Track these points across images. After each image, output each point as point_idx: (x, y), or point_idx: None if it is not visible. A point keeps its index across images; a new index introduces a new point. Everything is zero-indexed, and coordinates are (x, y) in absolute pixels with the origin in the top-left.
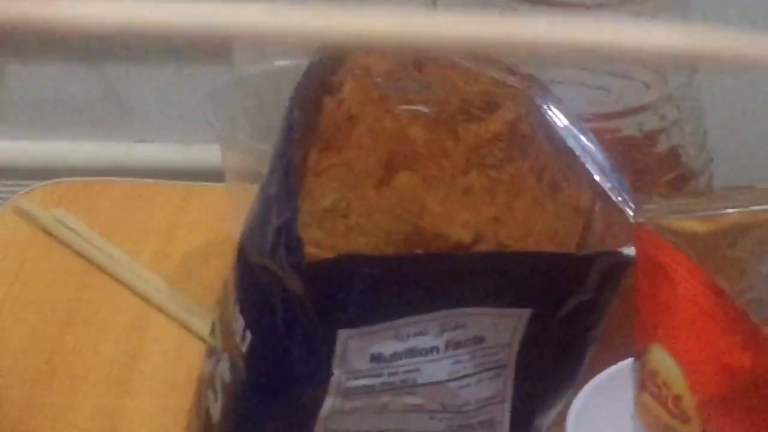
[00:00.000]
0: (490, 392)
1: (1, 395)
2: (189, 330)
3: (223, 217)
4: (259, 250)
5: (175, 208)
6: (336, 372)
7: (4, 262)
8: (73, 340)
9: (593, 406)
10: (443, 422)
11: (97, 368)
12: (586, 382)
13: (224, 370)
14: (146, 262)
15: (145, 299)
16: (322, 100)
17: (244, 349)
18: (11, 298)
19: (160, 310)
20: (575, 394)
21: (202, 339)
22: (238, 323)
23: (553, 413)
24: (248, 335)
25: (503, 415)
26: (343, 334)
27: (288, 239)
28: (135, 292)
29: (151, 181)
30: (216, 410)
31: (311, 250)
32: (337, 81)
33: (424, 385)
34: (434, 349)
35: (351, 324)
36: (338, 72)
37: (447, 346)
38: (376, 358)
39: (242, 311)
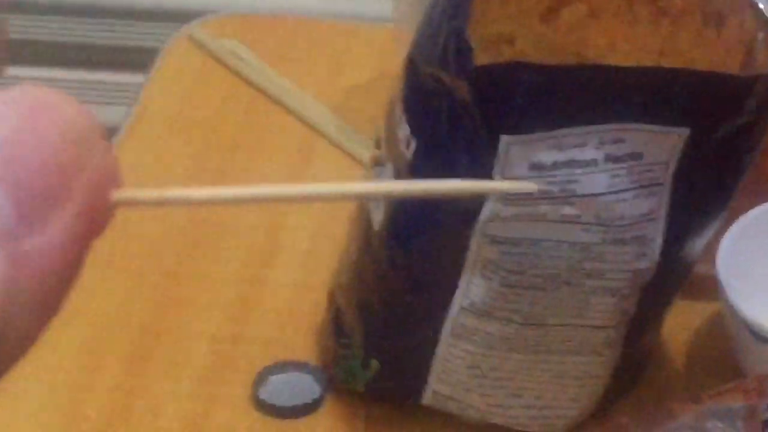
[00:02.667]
0: (644, 209)
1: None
2: (351, 156)
3: (388, 55)
4: (428, 58)
5: (343, 45)
6: (497, 177)
7: (176, 86)
8: (239, 161)
9: (742, 244)
10: (597, 235)
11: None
12: (735, 220)
13: (388, 178)
14: (313, 94)
15: (311, 127)
16: None
17: (408, 156)
18: (181, 119)
19: (325, 137)
20: (724, 232)
21: (362, 164)
22: (404, 131)
23: (702, 240)
24: (413, 142)
25: (656, 233)
26: (505, 139)
27: (457, 45)
28: (301, 120)
29: (320, 18)
30: (378, 216)
31: None
32: None
33: (581, 196)
34: (593, 162)
35: (513, 130)
36: None
37: (605, 159)
38: (536, 167)
39: (408, 120)
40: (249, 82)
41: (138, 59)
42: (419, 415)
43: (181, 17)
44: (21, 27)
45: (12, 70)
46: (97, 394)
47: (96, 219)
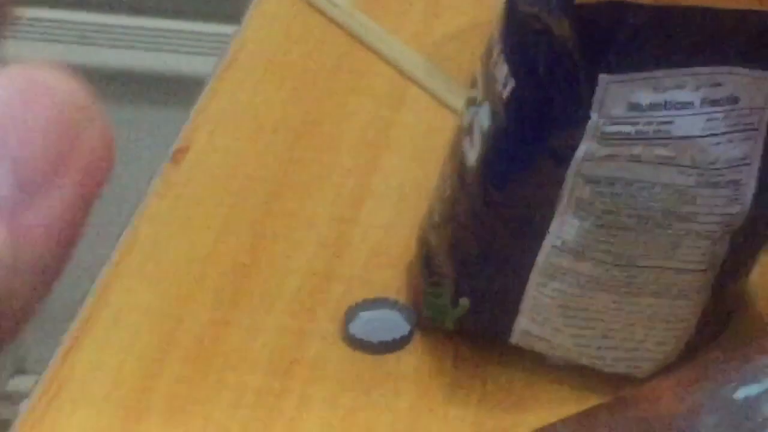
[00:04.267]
0: (739, 153)
1: (267, 143)
2: (443, 104)
3: (484, 3)
4: None
5: None
6: (594, 116)
7: (268, 31)
8: (331, 106)
9: None
10: (691, 177)
11: (352, 132)
12: None
13: (484, 118)
14: (406, 41)
15: (403, 73)
16: None
17: (505, 95)
18: (275, 64)
19: (416, 83)
20: None
21: (455, 112)
22: (502, 71)
23: None
24: (510, 81)
25: (750, 177)
26: (604, 78)
27: None
28: (394, 66)
29: None
30: (473, 154)
31: None
32: None
33: (677, 138)
34: (689, 104)
35: (612, 69)
36: None
37: (702, 102)
38: (633, 107)
39: (507, 59)
40: (342, 28)
41: (226, 10)
42: (507, 354)
43: None
44: None
45: (106, 18)
46: (190, 325)
47: (91, 192)
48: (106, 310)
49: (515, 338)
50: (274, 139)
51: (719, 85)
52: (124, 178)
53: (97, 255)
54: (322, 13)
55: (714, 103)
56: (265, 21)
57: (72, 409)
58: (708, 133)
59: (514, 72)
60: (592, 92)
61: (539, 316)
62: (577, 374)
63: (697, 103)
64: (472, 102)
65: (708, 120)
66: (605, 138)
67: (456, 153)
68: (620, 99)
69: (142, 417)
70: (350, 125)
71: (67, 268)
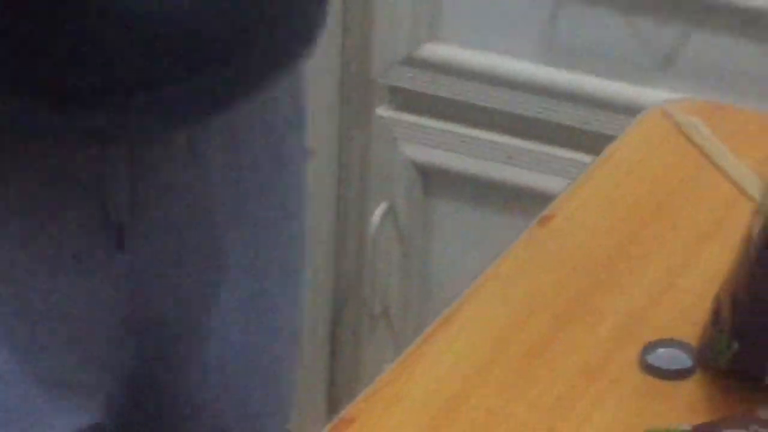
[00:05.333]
0: None
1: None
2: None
3: None
4: None
5: None
6: None
7: (640, 142)
8: (676, 208)
9: None
10: None
11: (691, 221)
12: None
13: (755, 226)
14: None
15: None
16: None
17: None
18: (639, 165)
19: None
20: None
21: None
22: None
23: None
24: None
25: None
26: None
27: None
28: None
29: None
30: (756, 229)
31: None
32: None
33: None
34: None
35: None
36: None
37: None
38: None
39: None
40: (699, 149)
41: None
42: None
43: (632, 109)
44: (494, 97)
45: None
46: (524, 337)
47: None
48: (461, 317)
49: None
50: (627, 219)
51: None
52: None
53: None
54: (686, 135)
55: None
56: (640, 135)
57: None
58: None
59: None
60: None
61: None
62: None
63: None
64: (764, 190)
65: None
66: None
67: (748, 230)
68: None
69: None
70: (686, 217)
71: None
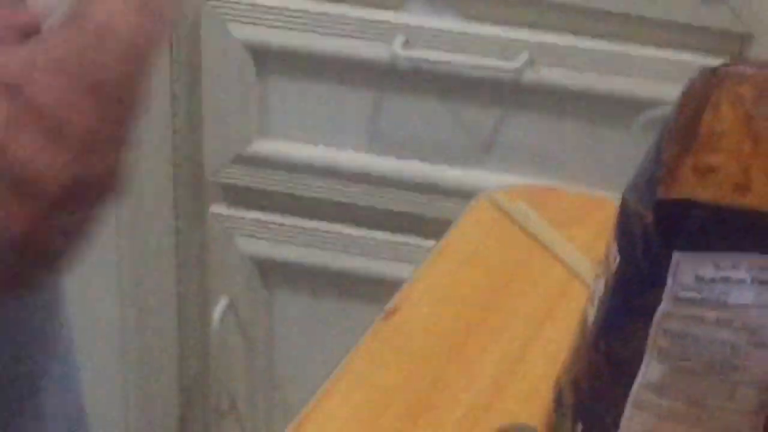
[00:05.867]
0: None
1: (457, 312)
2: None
3: None
4: (635, 197)
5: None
6: (669, 282)
7: (471, 232)
8: (509, 293)
9: None
10: (743, 338)
11: (524, 307)
12: None
13: (599, 288)
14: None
15: (570, 271)
16: (702, 110)
17: (613, 268)
18: (472, 256)
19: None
20: None
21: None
22: (613, 251)
23: None
24: (617, 257)
25: None
26: (677, 255)
27: (648, 187)
28: (562, 264)
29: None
30: (591, 315)
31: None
32: (715, 99)
33: (732, 306)
34: (743, 281)
35: (683, 248)
36: (716, 92)
37: (752, 280)
38: (699, 279)
39: (617, 241)
40: (529, 234)
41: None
42: None
43: (461, 192)
44: (327, 188)
45: (291, 219)
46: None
47: None
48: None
49: None
50: (467, 309)
51: (767, 269)
52: None
53: None
54: (516, 222)
55: (762, 282)
56: (472, 223)
57: None
58: (758, 303)
59: (621, 250)
60: (668, 265)
61: None
62: None
63: (749, 280)
64: (596, 276)
65: (757, 294)
66: (678, 300)
67: (583, 316)
68: (689, 272)
69: None
70: (523, 302)
71: None
